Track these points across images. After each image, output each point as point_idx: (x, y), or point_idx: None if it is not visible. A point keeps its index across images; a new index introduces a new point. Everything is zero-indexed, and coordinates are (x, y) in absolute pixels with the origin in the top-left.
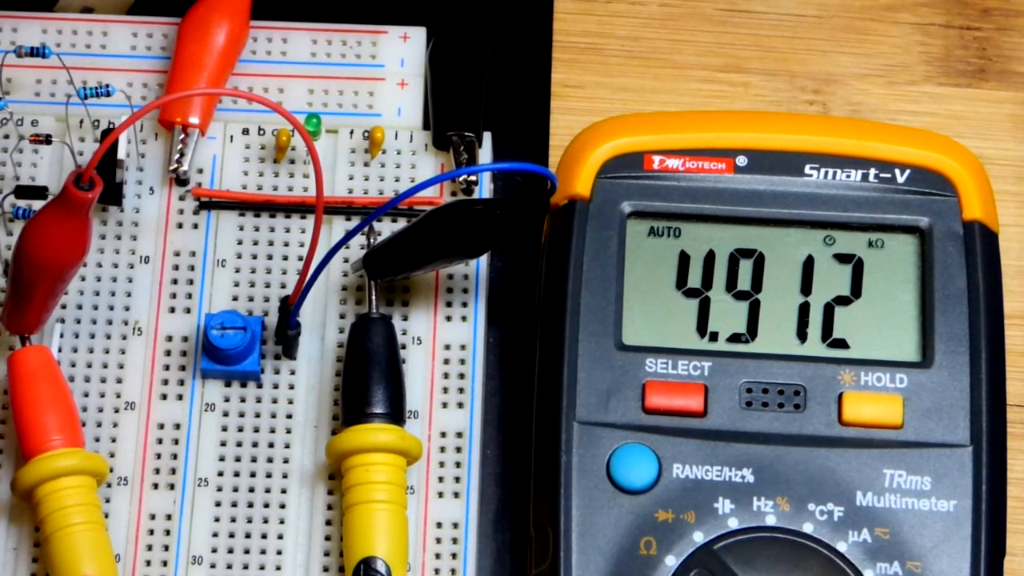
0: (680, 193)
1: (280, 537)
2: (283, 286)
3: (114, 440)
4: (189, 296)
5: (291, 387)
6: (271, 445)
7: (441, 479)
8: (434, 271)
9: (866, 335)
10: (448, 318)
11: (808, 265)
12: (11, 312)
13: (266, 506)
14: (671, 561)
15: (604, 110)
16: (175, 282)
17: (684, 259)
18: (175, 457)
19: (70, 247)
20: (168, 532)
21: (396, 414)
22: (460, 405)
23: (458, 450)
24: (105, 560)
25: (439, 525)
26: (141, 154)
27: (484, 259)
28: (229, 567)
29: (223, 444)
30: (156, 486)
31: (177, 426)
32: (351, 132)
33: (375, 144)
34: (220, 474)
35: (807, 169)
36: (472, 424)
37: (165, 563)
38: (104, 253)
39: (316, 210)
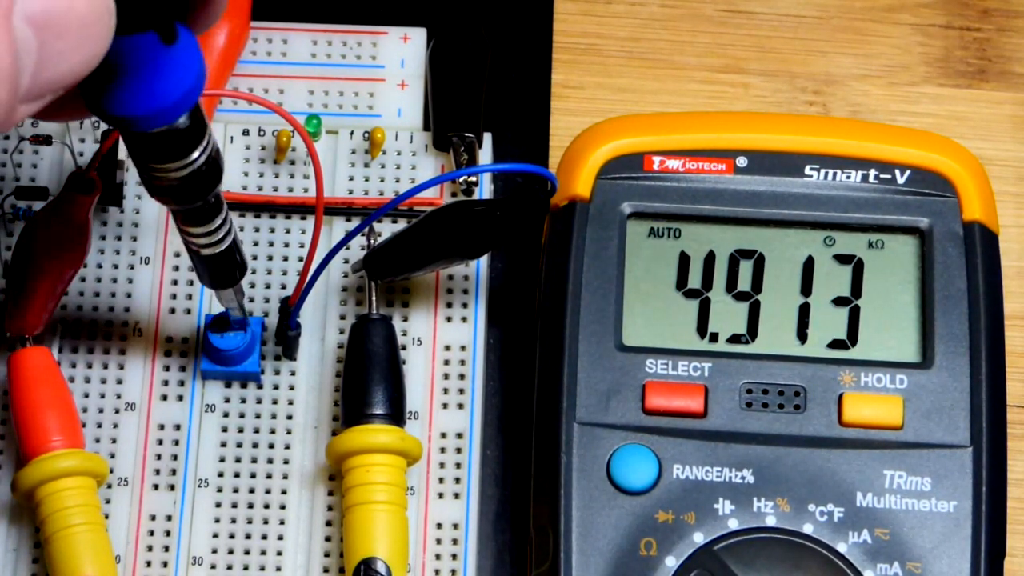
0: (680, 194)
1: (280, 538)
2: (283, 287)
3: (114, 441)
4: (189, 297)
5: (291, 388)
6: (271, 446)
7: (441, 480)
8: (434, 272)
9: (866, 336)
10: (448, 319)
11: (808, 266)
12: (11, 312)
13: (266, 507)
14: (671, 562)
15: (604, 111)
16: (175, 283)
17: (684, 260)
18: (175, 458)
19: (70, 248)
20: (168, 533)
21: (396, 415)
22: (460, 406)
23: (458, 451)
24: (105, 561)
25: (439, 526)
26: None
27: (484, 260)
28: (229, 568)
29: (223, 445)
30: (156, 487)
31: (177, 427)
32: (351, 133)
33: (375, 145)
34: (220, 475)
35: (807, 170)
36: (472, 425)
37: (165, 564)
38: (104, 253)
39: (316, 211)
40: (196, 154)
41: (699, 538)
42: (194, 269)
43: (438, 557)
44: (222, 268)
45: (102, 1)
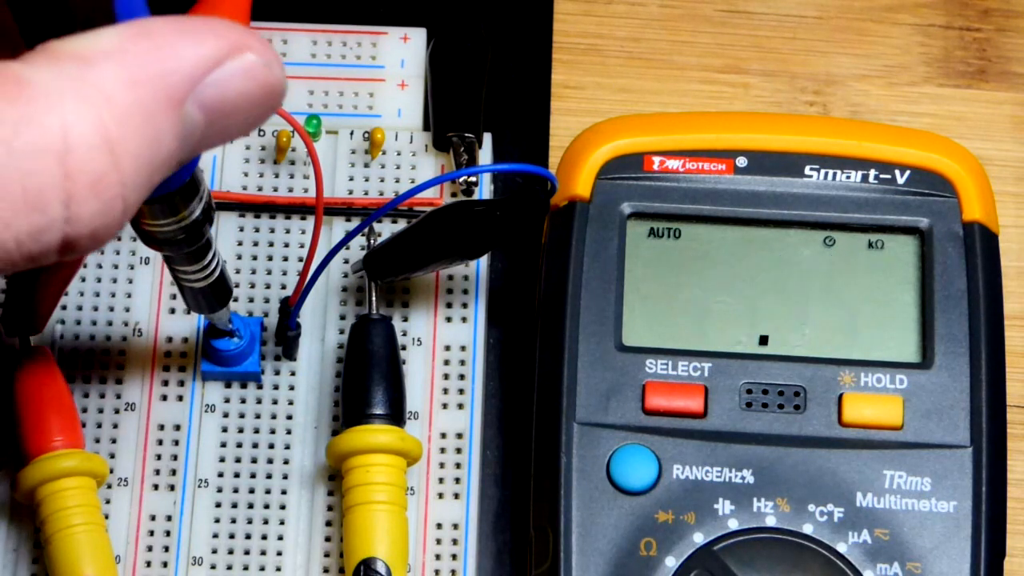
0: (680, 194)
1: (280, 538)
2: (283, 287)
3: (114, 441)
4: None
5: (291, 388)
6: (271, 446)
7: (441, 480)
8: (434, 272)
9: (866, 336)
10: (448, 319)
11: (808, 266)
12: (11, 312)
13: (266, 507)
14: (671, 562)
15: (604, 111)
16: (175, 283)
17: (684, 260)
18: (175, 458)
19: None
20: (168, 533)
21: (396, 415)
22: (460, 406)
23: (458, 451)
24: (105, 561)
25: (439, 526)
26: None
27: (484, 260)
28: (229, 568)
29: (223, 445)
30: (156, 487)
31: (177, 427)
32: (351, 133)
33: (375, 145)
34: (220, 475)
35: (807, 170)
36: (472, 425)
37: (165, 564)
38: (104, 254)
39: (316, 211)
40: (193, 207)
41: (699, 538)
42: (183, 299)
43: (438, 557)
44: (212, 296)
45: (278, 81)
